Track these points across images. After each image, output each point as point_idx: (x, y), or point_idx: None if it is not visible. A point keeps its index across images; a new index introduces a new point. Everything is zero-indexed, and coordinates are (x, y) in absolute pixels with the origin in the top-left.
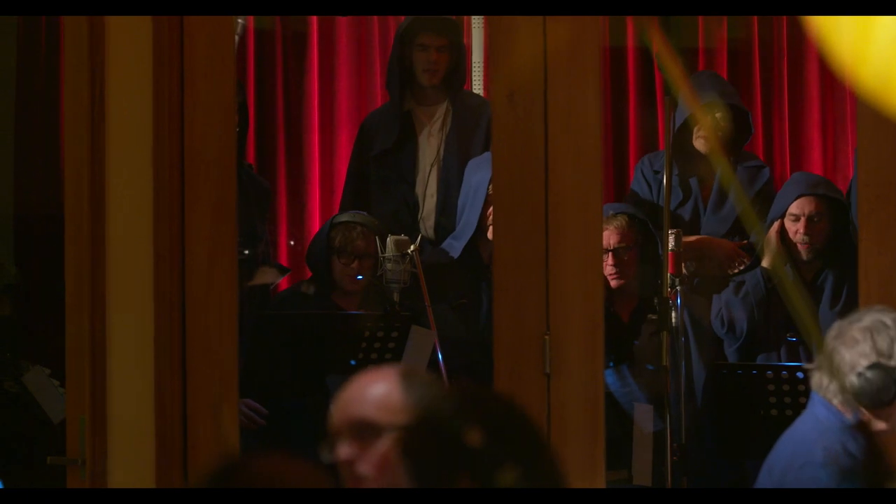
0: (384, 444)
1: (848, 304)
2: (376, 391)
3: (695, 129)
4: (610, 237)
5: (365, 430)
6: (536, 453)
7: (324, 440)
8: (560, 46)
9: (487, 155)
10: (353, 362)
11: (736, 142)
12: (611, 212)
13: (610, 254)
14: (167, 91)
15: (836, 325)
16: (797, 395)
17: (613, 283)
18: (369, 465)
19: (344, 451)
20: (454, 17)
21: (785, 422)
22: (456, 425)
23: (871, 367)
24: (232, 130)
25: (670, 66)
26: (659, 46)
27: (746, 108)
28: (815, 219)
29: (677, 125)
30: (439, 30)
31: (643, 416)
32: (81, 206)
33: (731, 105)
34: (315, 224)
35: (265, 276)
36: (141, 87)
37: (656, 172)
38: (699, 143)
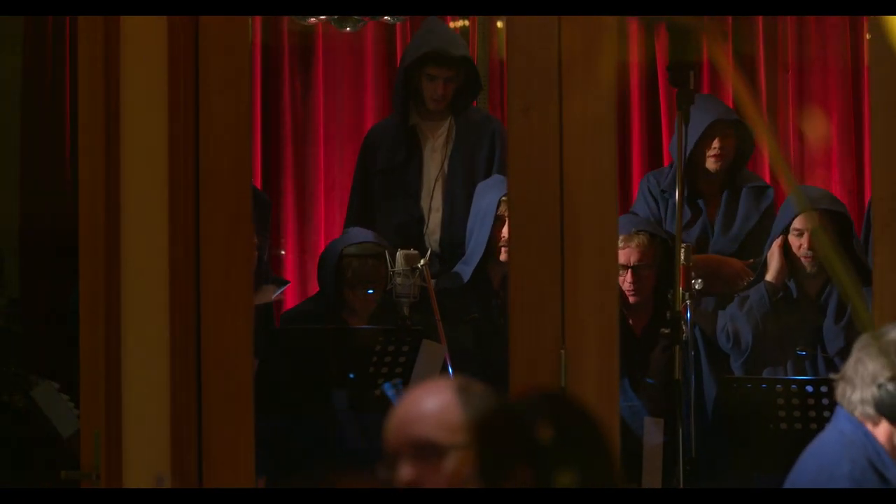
0: (451, 464)
1: (851, 322)
2: (434, 408)
3: (714, 143)
4: (630, 255)
5: (428, 451)
6: (600, 463)
7: (382, 459)
8: (575, 59)
9: (496, 178)
10: (351, 375)
11: (740, 160)
12: (633, 229)
13: (629, 271)
14: (182, 102)
15: (863, 337)
16: (806, 409)
17: (631, 300)
18: (439, 485)
19: (406, 472)
20: (462, 36)
21: (794, 435)
22: (529, 418)
23: (893, 379)
24: (247, 142)
25: (734, 81)
26: (722, 61)
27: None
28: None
29: (689, 147)
30: (448, 62)
31: (653, 430)
32: (96, 219)
33: (733, 121)
34: (321, 237)
35: (263, 295)
36: (156, 98)
37: (663, 191)
38: (710, 163)
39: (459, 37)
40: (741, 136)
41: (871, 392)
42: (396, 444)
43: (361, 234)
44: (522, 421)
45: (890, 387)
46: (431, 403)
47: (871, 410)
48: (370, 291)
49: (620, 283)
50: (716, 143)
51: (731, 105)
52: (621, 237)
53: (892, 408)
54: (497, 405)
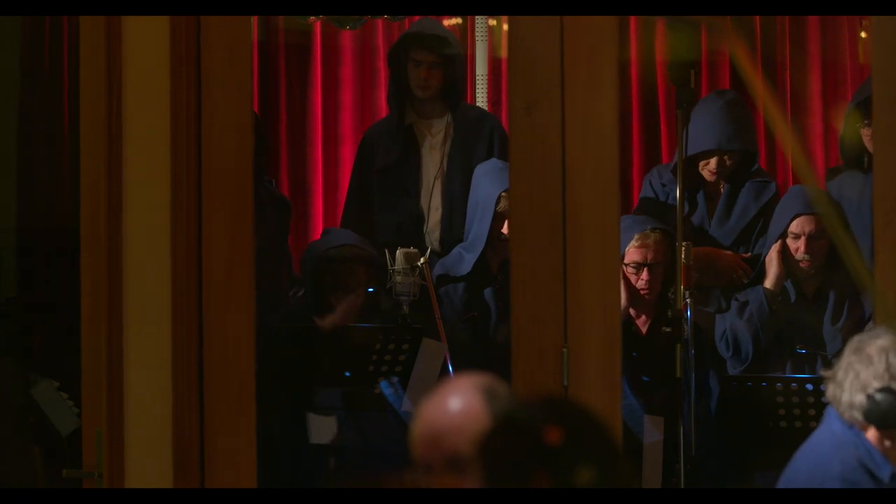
0: None
1: (850, 320)
2: (465, 420)
3: (701, 164)
4: (647, 253)
5: (462, 465)
6: (611, 456)
7: (410, 468)
8: (577, 57)
9: (494, 164)
10: (347, 374)
11: (741, 169)
12: (648, 227)
13: (646, 269)
14: (184, 102)
15: (857, 338)
16: (806, 408)
17: (647, 298)
18: None
19: (440, 485)
20: (449, 28)
21: (794, 434)
22: (535, 425)
23: (882, 390)
24: (249, 142)
25: (751, 79)
26: (742, 61)
27: (752, 148)
28: (816, 236)
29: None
30: (430, 46)
31: (653, 427)
32: (98, 218)
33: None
34: (318, 237)
35: None
36: (158, 97)
37: (664, 185)
38: (707, 174)
39: (443, 27)
40: (741, 156)
41: (859, 399)
42: (428, 456)
43: (342, 236)
44: (529, 429)
45: (878, 397)
46: (461, 413)
47: (859, 416)
48: (371, 290)
49: (634, 282)
50: (712, 165)
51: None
52: (637, 235)
53: (881, 417)
54: (498, 419)
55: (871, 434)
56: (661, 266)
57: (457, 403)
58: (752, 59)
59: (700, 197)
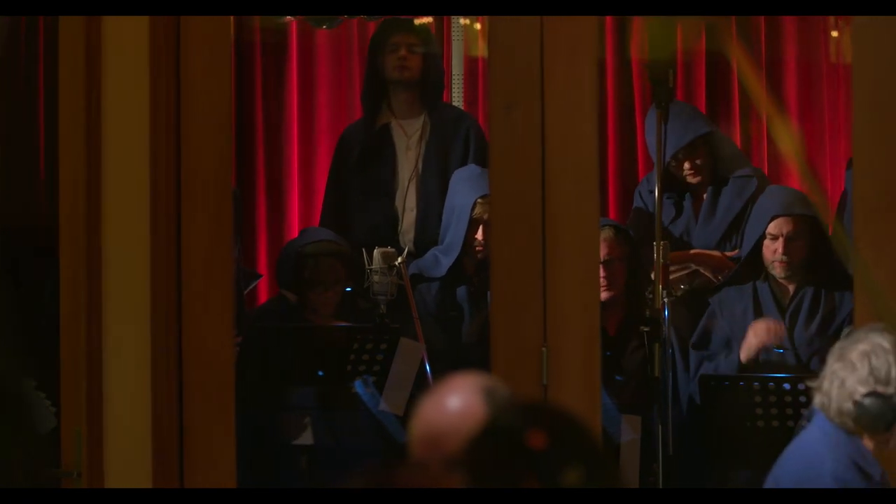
0: None
1: (823, 323)
2: (465, 422)
3: (685, 164)
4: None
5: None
6: (596, 457)
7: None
8: (557, 57)
9: (472, 170)
10: (320, 373)
11: (715, 160)
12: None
13: (600, 266)
14: (164, 102)
15: (839, 345)
16: (783, 407)
17: (603, 295)
18: None
19: None
20: (430, 28)
21: (771, 432)
22: (519, 430)
23: (869, 395)
24: (228, 142)
25: (752, 81)
26: (740, 60)
27: (709, 126)
28: (793, 238)
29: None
30: (408, 29)
31: (628, 427)
32: (77, 218)
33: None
34: (295, 235)
35: None
36: (137, 97)
37: (651, 192)
38: (689, 177)
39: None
40: (709, 143)
41: (848, 407)
42: (426, 455)
43: (318, 233)
44: (513, 435)
45: (867, 402)
46: (460, 414)
47: (850, 423)
48: (349, 290)
49: None
50: (687, 165)
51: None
52: None
53: (871, 421)
54: (482, 427)
55: (864, 440)
56: (618, 262)
57: (456, 404)
58: (750, 57)
59: (687, 201)
